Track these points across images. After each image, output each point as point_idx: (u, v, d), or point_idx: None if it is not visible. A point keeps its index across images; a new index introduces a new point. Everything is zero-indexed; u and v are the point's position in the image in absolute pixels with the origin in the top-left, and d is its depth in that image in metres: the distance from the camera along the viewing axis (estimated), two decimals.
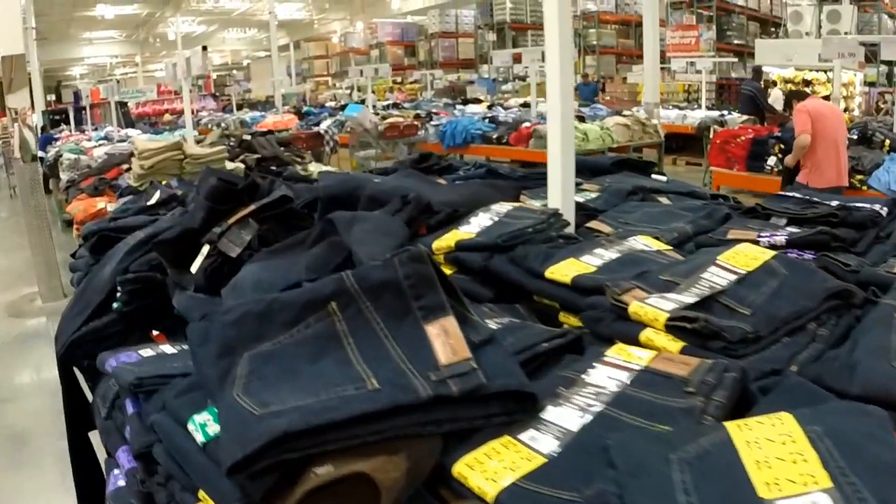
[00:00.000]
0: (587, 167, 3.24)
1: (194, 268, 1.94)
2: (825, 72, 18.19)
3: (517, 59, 12.13)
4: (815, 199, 2.37)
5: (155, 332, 2.08)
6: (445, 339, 1.13)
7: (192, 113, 9.75)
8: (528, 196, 2.62)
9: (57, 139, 12.32)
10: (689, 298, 1.45)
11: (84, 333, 2.11)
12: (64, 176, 7.89)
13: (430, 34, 33.65)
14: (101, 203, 5.38)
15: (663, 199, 2.74)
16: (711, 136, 10.95)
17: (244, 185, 2.11)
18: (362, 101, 19.91)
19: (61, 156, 8.97)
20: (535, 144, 10.18)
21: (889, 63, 21.75)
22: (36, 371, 5.83)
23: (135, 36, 36.75)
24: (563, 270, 1.71)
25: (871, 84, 17.55)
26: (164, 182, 5.04)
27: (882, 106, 17.29)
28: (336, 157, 11.21)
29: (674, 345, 1.34)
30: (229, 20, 36.48)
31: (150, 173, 5.36)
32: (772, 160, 7.48)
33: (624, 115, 11.29)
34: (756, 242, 2.01)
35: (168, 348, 1.67)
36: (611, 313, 1.49)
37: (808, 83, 18.91)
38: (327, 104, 22.84)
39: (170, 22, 32.37)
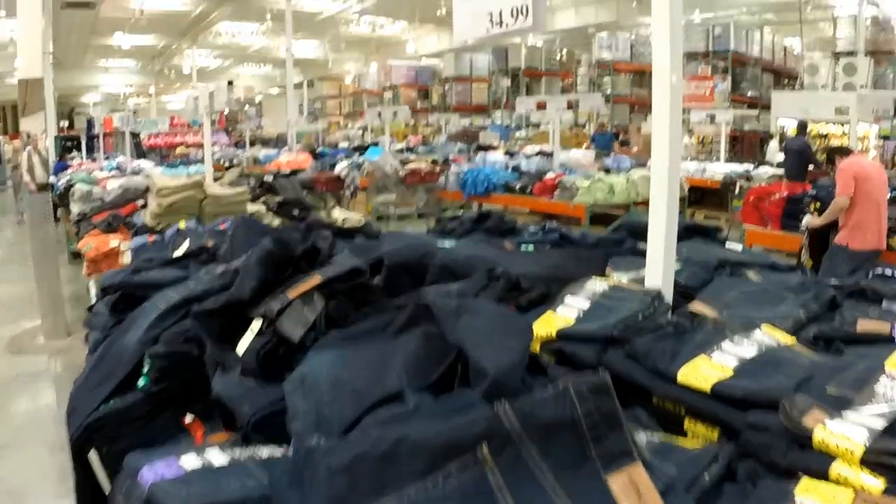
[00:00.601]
0: None
1: (241, 347, 1.63)
2: (841, 125, 18.13)
3: (541, 106, 11.89)
4: None
5: (188, 419, 1.76)
6: (636, 497, 0.83)
7: None
8: (611, 268, 2.33)
9: (68, 167, 12.08)
10: (876, 423, 1.20)
11: (104, 415, 1.79)
12: (75, 207, 7.61)
13: (444, 78, 33.75)
14: (114, 241, 5.10)
15: (752, 275, 2.48)
16: (737, 190, 10.71)
17: (303, 250, 1.80)
18: (375, 143, 19.86)
19: (73, 185, 8.70)
20: (560, 196, 9.90)
21: None
22: (35, 416, 5.48)
23: (150, 66, 36.88)
24: (698, 374, 1.45)
25: (886, 137, 17.37)
26: (182, 223, 4.77)
27: None
28: (352, 201, 10.94)
29: (874, 485, 1.12)
30: (245, 55, 36.63)
31: (168, 212, 5.09)
32: (806, 219, 7.22)
33: (648, 168, 11.04)
34: (892, 338, 1.79)
35: (217, 455, 1.34)
36: (786, 440, 1.23)
37: (824, 136, 18.85)
38: (340, 144, 22.68)
39: (186, 54, 32.47)
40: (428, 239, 2.60)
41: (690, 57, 24.21)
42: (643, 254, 2.15)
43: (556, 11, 32.28)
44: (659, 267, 2.00)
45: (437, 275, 1.88)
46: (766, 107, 24.13)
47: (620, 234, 2.89)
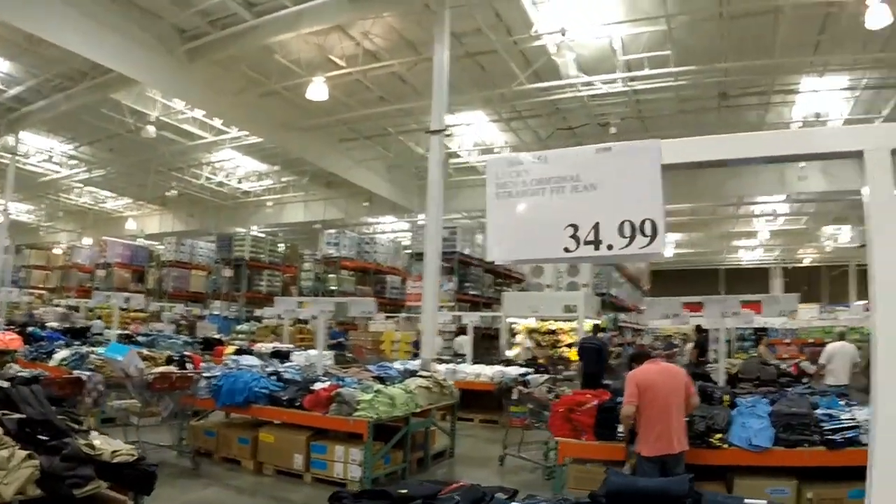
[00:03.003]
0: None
1: None
2: (568, 321, 19.41)
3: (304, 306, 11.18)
4: None
5: None
6: None
7: None
8: None
9: None
10: None
11: None
12: None
13: (162, 261, 32.01)
14: None
15: None
16: (514, 396, 10.53)
17: None
18: (88, 328, 17.66)
19: None
20: (336, 410, 8.99)
21: (616, 310, 24.01)
22: None
23: None
24: None
25: (603, 330, 18.83)
26: None
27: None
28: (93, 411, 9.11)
29: None
30: None
31: None
32: (622, 427, 7.09)
33: (423, 377, 10.60)
34: None
35: None
36: None
37: (552, 332, 19.97)
38: (49, 324, 19.86)
39: None
40: None
41: (418, 257, 24.98)
42: None
43: (286, 206, 32.43)
44: None
45: None
46: (487, 304, 25.50)
47: None
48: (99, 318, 22.72)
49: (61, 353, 12.19)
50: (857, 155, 2.04)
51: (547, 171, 2.20)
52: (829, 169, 23.37)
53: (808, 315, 29.37)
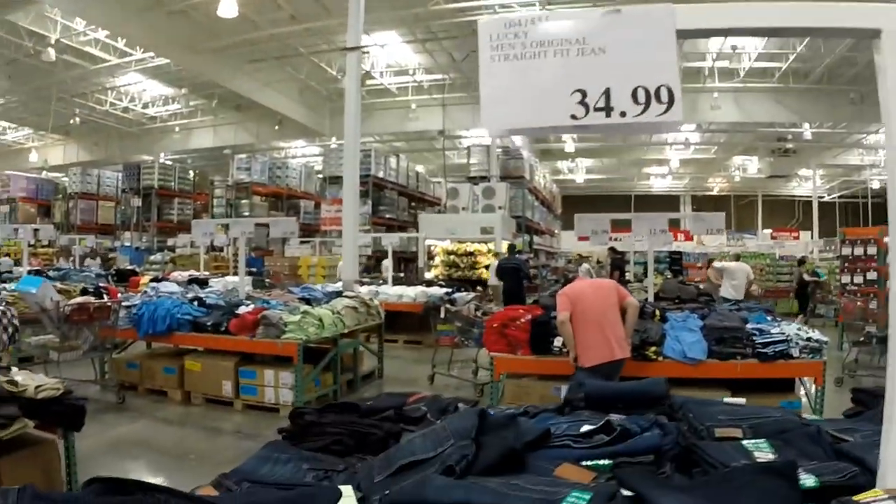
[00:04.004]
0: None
1: None
2: (485, 242, 19.50)
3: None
4: None
5: None
6: None
7: None
8: None
9: None
10: None
11: None
12: None
13: (68, 194, 30.56)
14: None
15: None
16: (441, 315, 10.44)
17: None
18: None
19: None
20: (264, 333, 8.70)
21: (530, 232, 24.31)
22: None
23: None
24: None
25: (518, 251, 18.96)
26: None
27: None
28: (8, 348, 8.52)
29: None
30: None
31: None
32: (558, 340, 7.09)
33: (348, 297, 10.35)
34: None
35: None
36: None
37: (470, 254, 20.03)
38: None
39: None
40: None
41: (332, 181, 24.64)
42: None
43: (194, 131, 31.17)
44: None
45: None
46: (402, 228, 25.41)
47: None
48: (7, 255, 21.48)
49: None
50: (875, 34, 1.94)
51: (549, 33, 1.99)
52: (740, 101, 23.90)
53: (717, 241, 30.32)
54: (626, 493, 1.68)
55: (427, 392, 3.60)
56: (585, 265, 21.38)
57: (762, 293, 18.77)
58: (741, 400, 2.88)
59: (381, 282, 16.04)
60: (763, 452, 2.08)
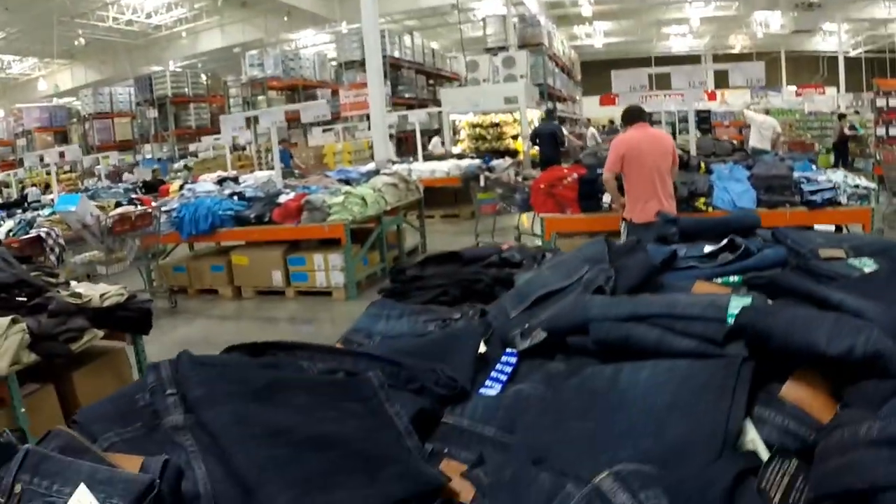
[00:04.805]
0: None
1: None
2: (510, 112, 19.28)
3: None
4: None
5: None
6: None
7: None
8: None
9: None
10: None
11: None
12: None
13: (83, 116, 30.28)
14: None
15: None
16: (482, 183, 10.43)
17: None
18: (24, 198, 16.65)
19: None
20: (309, 219, 8.70)
21: (552, 99, 23.95)
22: None
23: None
24: None
25: (542, 120, 18.68)
26: None
27: None
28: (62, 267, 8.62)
29: None
30: None
31: None
32: (607, 197, 7.07)
33: (387, 174, 10.34)
34: None
35: None
36: None
37: (496, 125, 19.86)
38: None
39: None
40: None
41: (348, 66, 24.22)
42: None
43: (201, 34, 30.53)
44: None
45: None
46: (423, 106, 25.05)
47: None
48: (34, 185, 21.47)
49: (5, 226, 11.31)
50: None
51: None
52: None
53: (742, 99, 29.55)
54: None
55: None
56: (591, 129, 21.08)
57: (787, 147, 18.53)
58: (830, 226, 2.86)
59: (410, 159, 16.00)
60: (872, 269, 2.08)
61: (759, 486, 1.04)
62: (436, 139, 20.33)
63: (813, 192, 7.14)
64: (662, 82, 10.99)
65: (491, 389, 1.61)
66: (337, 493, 1.09)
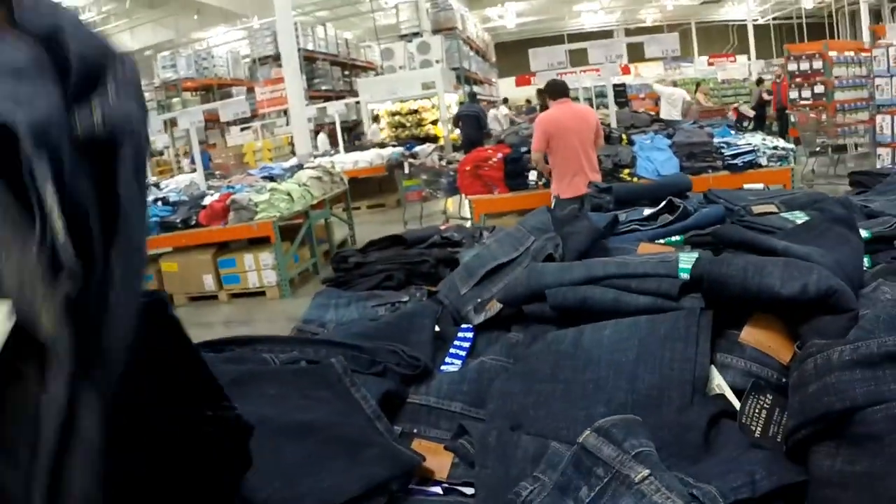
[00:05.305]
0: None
1: None
2: (429, 99, 19.32)
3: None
4: None
5: None
6: None
7: None
8: None
9: None
10: None
11: None
12: None
13: None
14: None
15: None
16: (406, 170, 10.42)
17: None
18: None
19: None
20: (236, 218, 8.53)
21: (469, 83, 24.05)
22: None
23: None
24: None
25: (461, 104, 18.82)
26: None
27: None
28: None
29: None
30: None
31: None
32: (533, 174, 7.14)
33: (310, 168, 10.23)
34: None
35: None
36: None
37: (415, 111, 19.89)
38: None
39: None
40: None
41: (262, 62, 23.90)
42: None
43: (109, 37, 29.56)
44: None
45: None
46: (340, 97, 24.82)
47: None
48: None
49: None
50: None
51: None
52: None
53: (654, 73, 30.18)
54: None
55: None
56: (500, 109, 21.23)
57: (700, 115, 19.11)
58: (759, 185, 2.97)
59: (332, 152, 15.87)
60: (803, 220, 2.15)
61: (741, 423, 1.09)
62: (374, 126, 20.23)
63: (734, 157, 7.41)
64: (579, 58, 11.13)
65: (451, 366, 1.62)
66: (324, 477, 1.08)
